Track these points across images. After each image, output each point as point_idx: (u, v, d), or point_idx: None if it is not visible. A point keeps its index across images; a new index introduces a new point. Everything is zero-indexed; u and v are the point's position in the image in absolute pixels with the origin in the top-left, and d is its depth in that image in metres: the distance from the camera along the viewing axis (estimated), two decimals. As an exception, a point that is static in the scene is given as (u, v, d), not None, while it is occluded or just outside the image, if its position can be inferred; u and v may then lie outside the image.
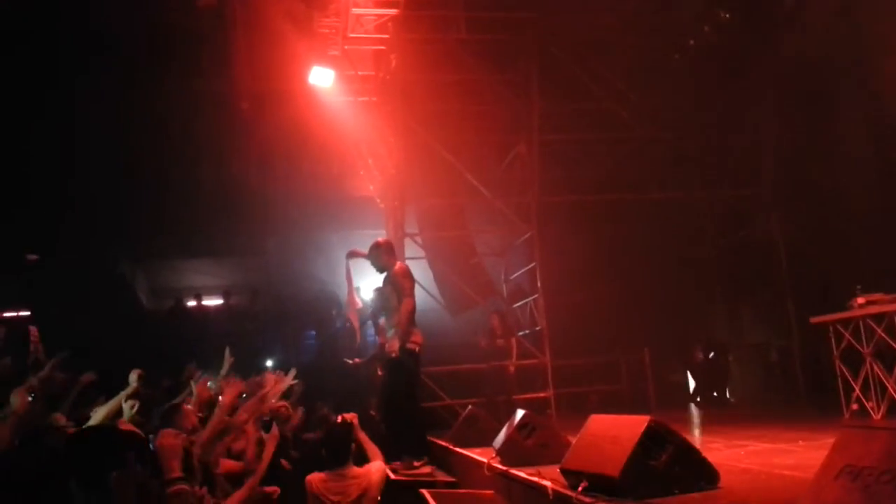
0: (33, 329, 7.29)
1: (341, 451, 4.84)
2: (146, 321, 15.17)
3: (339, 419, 5.36)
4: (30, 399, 3.50)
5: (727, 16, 10.61)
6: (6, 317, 16.52)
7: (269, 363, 10.31)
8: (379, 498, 4.89)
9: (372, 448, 5.25)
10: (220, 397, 5.03)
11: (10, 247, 14.47)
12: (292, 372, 6.20)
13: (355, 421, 5.30)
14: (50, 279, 14.29)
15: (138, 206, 14.64)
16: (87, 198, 14.31)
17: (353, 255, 6.69)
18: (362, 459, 5.16)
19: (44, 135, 14.18)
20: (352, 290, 6.92)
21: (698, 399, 11.61)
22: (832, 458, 2.51)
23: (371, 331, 10.33)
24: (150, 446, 3.05)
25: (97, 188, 14.53)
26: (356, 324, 7.09)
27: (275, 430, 4.76)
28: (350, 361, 7.43)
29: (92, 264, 14.54)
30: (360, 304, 7.20)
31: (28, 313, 15.27)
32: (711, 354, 11.57)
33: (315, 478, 4.82)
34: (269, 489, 4.58)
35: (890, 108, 8.85)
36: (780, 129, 10.96)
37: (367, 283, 11.76)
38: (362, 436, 5.29)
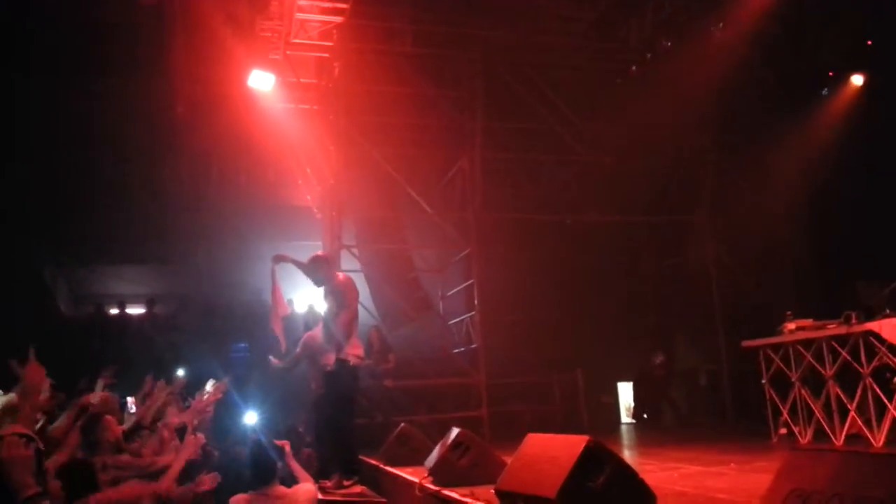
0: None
1: (268, 469, 4.62)
2: (64, 328, 14.42)
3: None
4: None
5: (669, 44, 10.83)
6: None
7: (180, 373, 9.84)
8: None
9: (303, 475, 5.06)
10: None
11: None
12: (224, 381, 5.88)
13: (287, 448, 5.13)
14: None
15: (63, 208, 13.97)
16: (10, 198, 13.57)
17: (279, 259, 6.30)
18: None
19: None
20: (277, 295, 6.52)
21: (644, 415, 11.62)
22: (779, 483, 2.44)
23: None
24: None
25: (20, 188, 13.81)
26: (279, 332, 6.66)
27: (195, 438, 4.39)
28: (273, 360, 7.03)
29: (10, 267, 13.77)
30: (288, 311, 6.80)
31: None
32: (661, 360, 11.57)
33: (240, 499, 4.58)
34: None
35: (818, 136, 9.16)
36: (717, 158, 11.23)
37: (301, 295, 11.47)
38: (294, 464, 5.12)
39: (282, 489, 4.67)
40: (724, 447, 7.01)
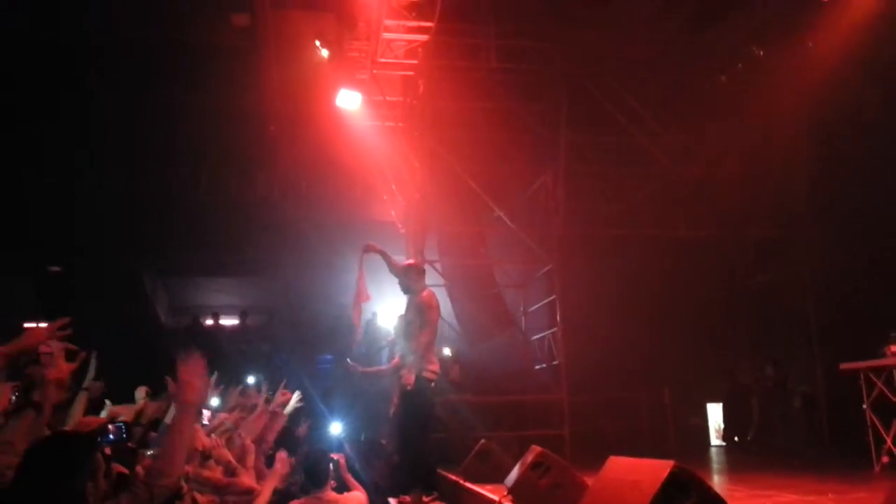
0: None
1: (320, 474, 4.92)
2: (163, 337, 15.16)
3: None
4: (13, 398, 3.30)
5: (761, 52, 10.46)
6: (27, 327, 16.60)
7: (250, 380, 10.24)
8: None
9: (356, 486, 5.38)
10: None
11: (33, 258, 14.58)
12: (297, 394, 6.08)
13: (342, 462, 5.48)
14: (71, 291, 14.36)
15: (163, 222, 14.73)
16: (114, 212, 14.43)
17: (369, 248, 6.51)
18: None
19: (74, 148, 14.37)
20: (361, 283, 6.67)
21: (735, 437, 11.14)
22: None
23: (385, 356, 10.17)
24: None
25: (124, 203, 14.67)
26: (357, 319, 6.83)
27: (278, 465, 4.63)
28: (351, 363, 7.21)
29: (114, 278, 14.60)
30: (369, 298, 6.91)
31: (45, 325, 15.34)
32: (771, 371, 11.01)
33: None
34: None
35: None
36: (813, 169, 10.75)
37: (385, 307, 11.65)
38: (348, 477, 5.47)
39: (333, 494, 4.98)
40: (820, 475, 6.66)
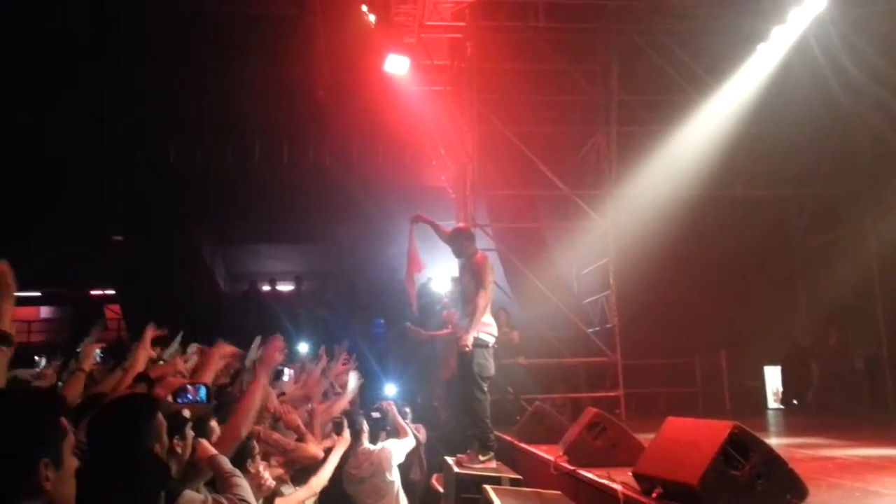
0: (114, 307, 7.51)
1: (353, 432, 5.61)
2: (222, 303, 15.61)
3: (379, 405, 6.45)
4: (99, 357, 3.42)
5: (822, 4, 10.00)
6: (93, 294, 17.37)
7: (302, 348, 10.50)
8: (388, 471, 5.89)
9: (402, 430, 6.19)
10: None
11: (98, 228, 15.11)
12: (354, 376, 6.24)
13: (391, 408, 6.38)
14: (134, 260, 14.86)
15: (219, 192, 15.06)
16: (172, 185, 14.81)
17: (417, 219, 6.58)
18: None
19: (134, 121, 14.74)
20: (412, 253, 6.70)
21: (794, 400, 10.95)
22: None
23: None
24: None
25: (181, 176, 15.04)
26: (412, 290, 6.93)
27: (346, 434, 4.84)
28: (410, 326, 7.43)
29: (174, 247, 15.04)
30: (421, 268, 6.95)
31: (112, 292, 16.02)
32: (834, 333, 10.73)
33: None
34: None
35: None
36: (878, 124, 10.33)
37: (439, 272, 11.73)
38: (397, 421, 6.27)
39: (367, 448, 5.88)
40: (885, 438, 6.52)
